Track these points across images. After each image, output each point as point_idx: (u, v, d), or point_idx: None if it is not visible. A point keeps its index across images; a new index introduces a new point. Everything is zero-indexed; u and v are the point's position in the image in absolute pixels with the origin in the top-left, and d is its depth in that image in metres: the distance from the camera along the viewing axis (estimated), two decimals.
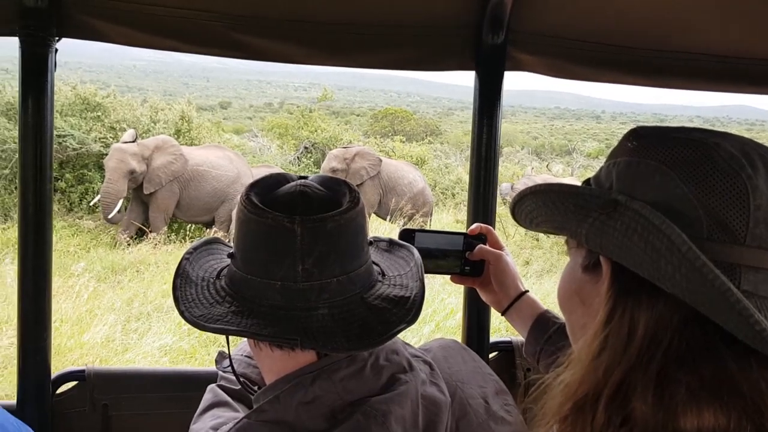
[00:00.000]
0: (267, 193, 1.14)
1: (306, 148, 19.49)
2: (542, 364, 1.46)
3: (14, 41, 1.84)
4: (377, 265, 1.24)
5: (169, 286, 1.18)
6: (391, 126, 33.13)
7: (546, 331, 1.45)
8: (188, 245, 1.51)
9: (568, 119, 70.54)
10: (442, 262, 1.56)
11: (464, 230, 1.62)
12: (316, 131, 20.75)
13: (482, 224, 1.59)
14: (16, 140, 1.92)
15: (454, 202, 18.57)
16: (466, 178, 19.81)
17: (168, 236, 11.74)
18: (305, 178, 1.19)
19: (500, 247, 1.56)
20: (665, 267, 0.72)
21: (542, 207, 0.88)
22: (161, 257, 10.21)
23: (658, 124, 0.88)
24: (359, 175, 13.23)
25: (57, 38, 1.86)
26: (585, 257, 0.87)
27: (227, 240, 1.34)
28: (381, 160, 13.89)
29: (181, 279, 1.19)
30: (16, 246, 1.93)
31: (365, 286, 1.16)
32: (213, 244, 1.31)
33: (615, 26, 2.08)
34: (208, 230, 12.45)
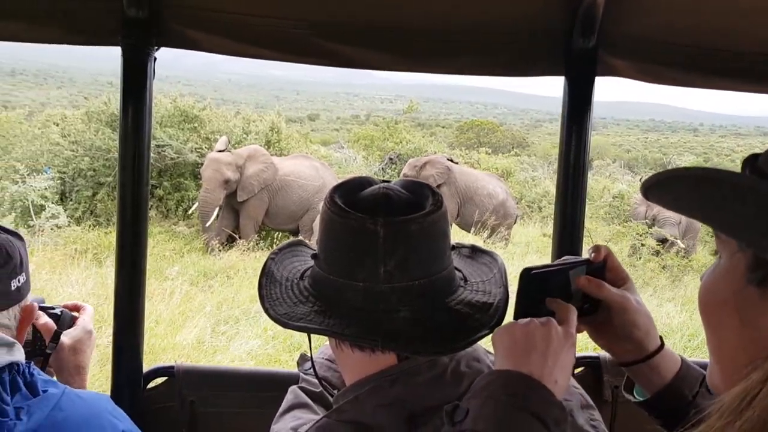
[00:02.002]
0: (350, 194, 1.15)
1: (391, 159, 19.60)
2: (670, 424, 1.18)
3: (118, 55, 1.94)
4: (459, 270, 1.22)
5: (256, 292, 1.21)
6: (476, 138, 32.87)
7: (689, 392, 1.17)
8: None
9: (664, 132, 67.79)
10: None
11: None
12: (401, 143, 20.84)
13: (601, 245, 1.22)
14: None
15: (541, 216, 18.15)
16: (553, 191, 19.29)
17: (256, 243, 12.08)
18: (388, 182, 1.19)
19: (624, 278, 1.20)
20: None
21: (704, 199, 0.74)
22: (249, 263, 10.50)
23: None
24: (428, 182, 13.19)
25: (156, 48, 1.95)
26: (752, 266, 0.74)
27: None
28: (450, 169, 13.80)
29: (267, 278, 1.22)
30: None
31: (447, 291, 1.14)
32: (297, 246, 1.34)
33: (714, 28, 1.97)
34: (294, 238, 12.70)
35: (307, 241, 1.41)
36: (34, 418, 1.20)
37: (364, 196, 1.14)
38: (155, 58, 1.96)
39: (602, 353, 2.17)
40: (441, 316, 1.11)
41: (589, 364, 2.15)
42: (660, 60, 2.00)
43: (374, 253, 1.07)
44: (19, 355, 1.28)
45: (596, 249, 1.20)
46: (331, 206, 1.12)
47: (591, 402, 1.28)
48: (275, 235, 13.15)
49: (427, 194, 1.15)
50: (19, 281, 1.36)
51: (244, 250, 11.40)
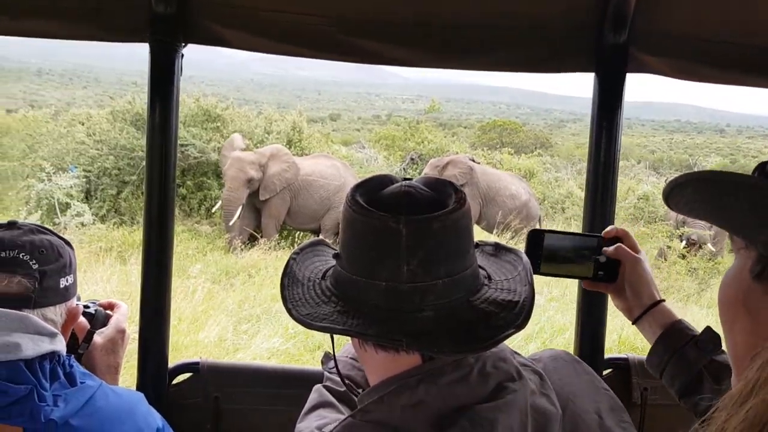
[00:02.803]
0: (372, 193, 1.14)
1: (412, 159, 19.59)
2: (666, 378, 1.37)
3: (143, 55, 1.95)
4: (483, 269, 1.20)
5: (277, 291, 1.20)
6: (499, 138, 32.69)
7: (677, 343, 1.36)
8: None
9: (689, 132, 66.87)
10: (574, 266, 1.49)
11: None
12: (422, 143, 20.82)
13: (618, 227, 1.52)
14: (144, 149, 2.03)
15: (564, 217, 17.99)
16: (577, 191, 19.24)
17: (278, 242, 12.15)
18: (410, 179, 1.17)
19: (637, 251, 1.49)
20: None
21: (709, 200, 0.78)
22: (271, 262, 10.56)
23: None
24: None
25: (183, 44, 1.95)
26: (755, 262, 0.76)
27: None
28: (472, 169, 13.75)
29: (289, 278, 1.21)
30: (141, 246, 2.03)
31: (471, 290, 1.13)
32: (318, 245, 1.33)
33: (748, 24, 1.93)
34: (315, 237, 12.74)
35: (328, 240, 1.41)
36: (69, 407, 1.25)
37: (386, 195, 1.13)
38: (182, 55, 1.96)
39: (631, 355, 2.13)
40: (465, 315, 1.09)
41: (618, 366, 2.11)
42: (693, 56, 1.96)
43: (397, 252, 1.06)
44: (60, 345, 1.32)
45: (609, 229, 1.51)
46: (352, 205, 1.11)
47: (620, 404, 1.26)
48: (296, 234, 13.21)
49: (450, 192, 1.13)
50: (67, 281, 1.42)
51: (265, 250, 11.47)
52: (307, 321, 1.10)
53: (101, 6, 1.91)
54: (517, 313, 1.10)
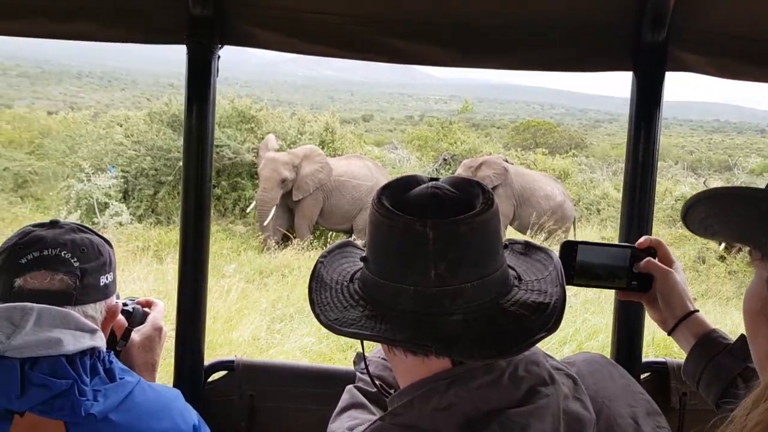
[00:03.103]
0: (398, 195, 1.12)
1: (445, 159, 19.51)
2: (702, 387, 1.35)
3: (179, 58, 1.98)
4: (513, 269, 1.18)
5: None
6: (533, 138, 32.36)
7: (711, 352, 1.34)
8: None
9: (729, 133, 65.24)
10: (607, 277, 1.49)
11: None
12: (455, 143, 20.73)
13: (652, 237, 1.50)
14: (180, 150, 2.06)
15: (599, 219, 17.73)
16: (612, 193, 18.93)
17: (311, 242, 12.22)
18: (437, 179, 1.15)
19: (670, 262, 1.47)
20: None
21: (720, 214, 0.79)
22: (304, 262, 10.62)
23: None
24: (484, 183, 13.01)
25: (220, 46, 1.98)
26: None
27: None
28: (507, 170, 13.58)
29: (316, 282, 1.21)
30: (177, 246, 2.06)
31: (501, 292, 1.11)
32: (346, 247, 1.32)
33: None
34: (348, 238, 12.81)
35: (358, 242, 1.40)
36: (109, 402, 1.27)
37: (412, 197, 1.11)
38: (219, 57, 1.99)
39: (670, 359, 2.09)
40: (496, 318, 1.08)
41: (657, 369, 2.07)
42: (733, 54, 1.92)
43: (424, 256, 1.05)
44: (100, 341, 1.35)
45: (642, 240, 1.49)
46: (378, 208, 1.09)
47: (657, 408, 1.24)
48: (329, 234, 13.27)
49: (477, 192, 1.12)
50: (107, 278, 1.46)
51: (298, 249, 11.55)
52: (335, 326, 1.10)
53: (139, 8, 1.94)
54: (548, 315, 1.08)
